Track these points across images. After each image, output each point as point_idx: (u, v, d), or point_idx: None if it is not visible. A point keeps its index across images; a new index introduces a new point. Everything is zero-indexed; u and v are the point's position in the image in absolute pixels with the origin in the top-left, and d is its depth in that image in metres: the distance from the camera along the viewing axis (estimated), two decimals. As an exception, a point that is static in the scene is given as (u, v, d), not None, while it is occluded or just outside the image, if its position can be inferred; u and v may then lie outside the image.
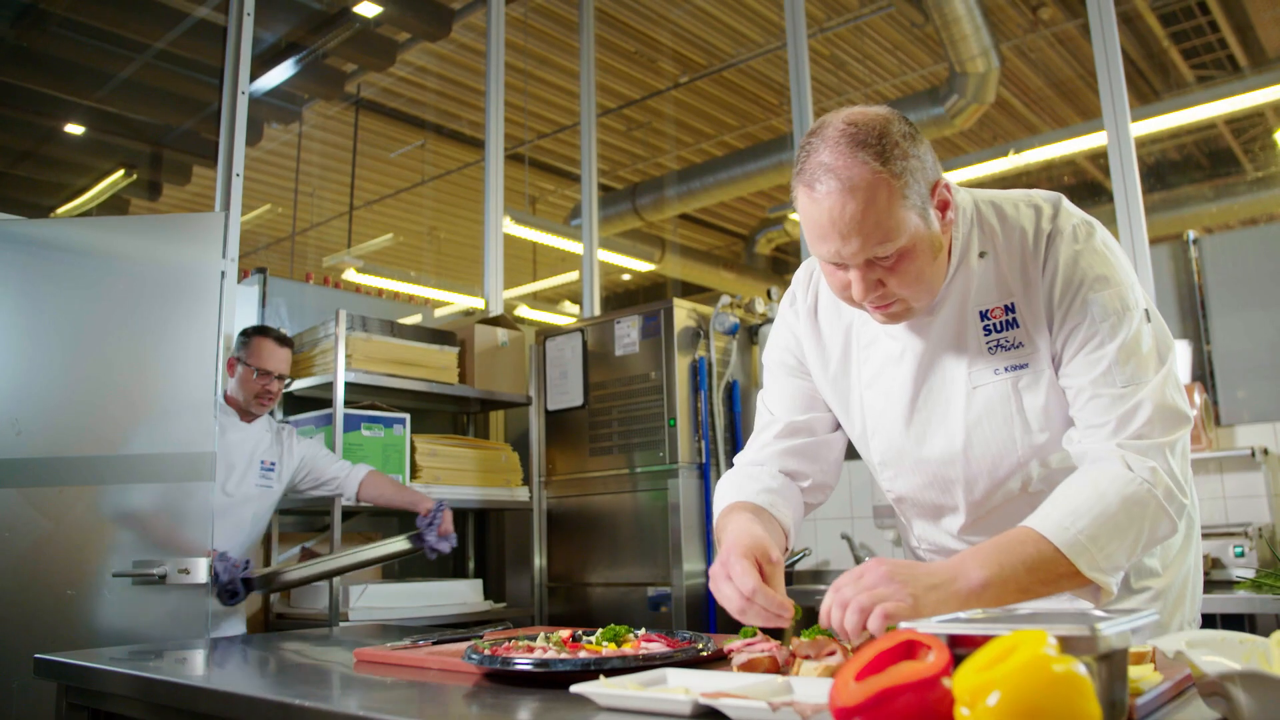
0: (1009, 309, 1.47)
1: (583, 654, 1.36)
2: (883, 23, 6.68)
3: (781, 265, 9.67)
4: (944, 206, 1.43)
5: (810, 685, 1.11)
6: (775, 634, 1.44)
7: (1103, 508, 1.28)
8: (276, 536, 3.85)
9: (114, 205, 7.52)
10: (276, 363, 3.40)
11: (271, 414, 3.61)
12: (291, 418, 3.96)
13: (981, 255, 1.49)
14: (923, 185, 1.38)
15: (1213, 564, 3.25)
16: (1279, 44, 6.84)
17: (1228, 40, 6.75)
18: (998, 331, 1.47)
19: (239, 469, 3.36)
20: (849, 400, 1.67)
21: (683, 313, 4.10)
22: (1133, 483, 1.31)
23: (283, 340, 3.47)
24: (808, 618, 3.74)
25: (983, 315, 1.48)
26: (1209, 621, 2.86)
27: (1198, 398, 3.40)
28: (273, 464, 3.45)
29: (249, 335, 3.44)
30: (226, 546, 3.20)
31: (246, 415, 3.43)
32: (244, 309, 4.02)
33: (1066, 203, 1.50)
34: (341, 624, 3.53)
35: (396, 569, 4.35)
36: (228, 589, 3.04)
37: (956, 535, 1.61)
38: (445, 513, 3.32)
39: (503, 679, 1.38)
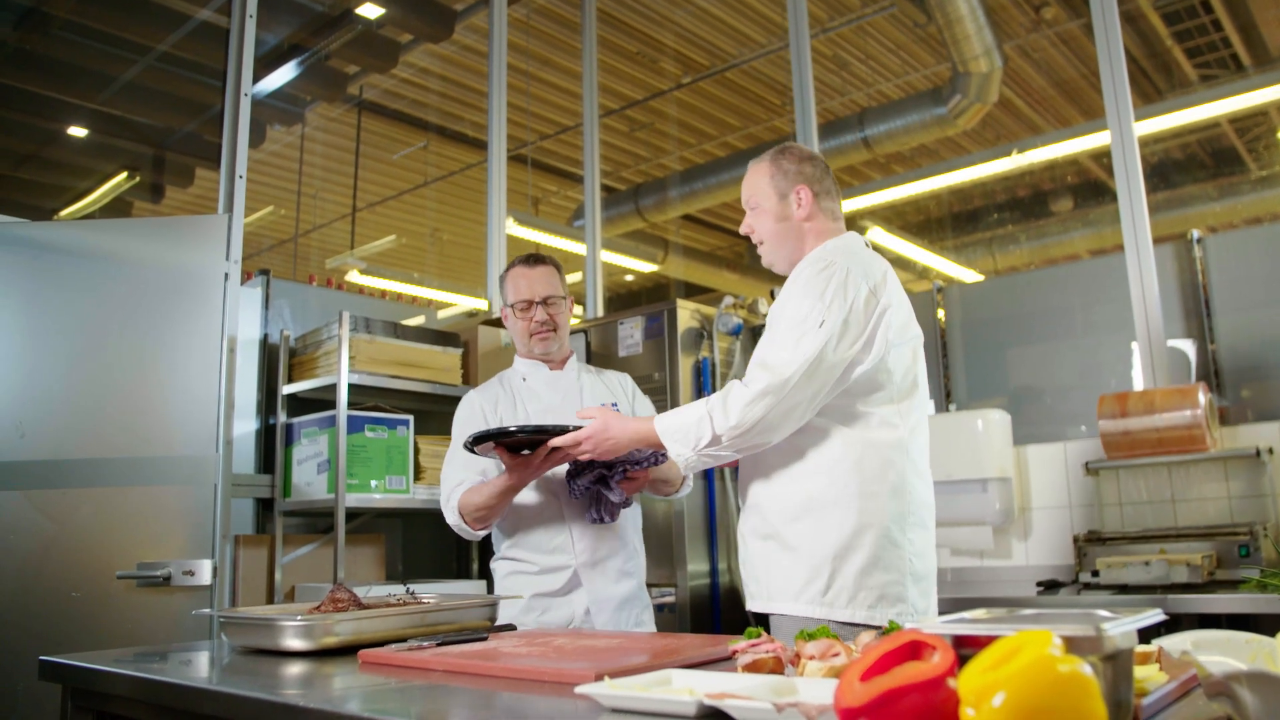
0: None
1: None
2: (885, 23, 6.67)
3: (784, 266, 9.64)
4: (799, 203, 2.23)
5: (815, 686, 1.11)
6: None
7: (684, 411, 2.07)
8: (281, 538, 3.85)
9: (117, 208, 7.53)
10: (531, 287, 2.77)
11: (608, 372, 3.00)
12: (295, 419, 3.96)
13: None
14: (788, 181, 2.24)
15: (1218, 564, 3.24)
16: (1282, 43, 6.83)
17: (1231, 39, 6.74)
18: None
19: (571, 419, 2.65)
20: None
21: (686, 313, 4.10)
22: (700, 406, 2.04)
23: (533, 260, 2.83)
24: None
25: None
26: (1213, 621, 2.85)
27: (1202, 397, 3.39)
28: (615, 406, 2.81)
29: (503, 276, 2.87)
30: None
31: (550, 362, 2.85)
32: (247, 311, 4.02)
33: (840, 259, 2.10)
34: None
35: (400, 570, 4.36)
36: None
37: None
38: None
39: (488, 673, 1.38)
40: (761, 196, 2.27)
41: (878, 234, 7.98)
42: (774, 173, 2.26)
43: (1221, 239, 4.11)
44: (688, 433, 2.01)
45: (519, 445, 2.38)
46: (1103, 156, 6.50)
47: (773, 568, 2.07)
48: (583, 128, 5.65)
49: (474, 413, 2.76)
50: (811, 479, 2.05)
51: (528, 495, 2.66)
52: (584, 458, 2.21)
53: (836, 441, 2.04)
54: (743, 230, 2.35)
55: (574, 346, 4.25)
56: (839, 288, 2.02)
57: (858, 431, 2.04)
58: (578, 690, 1.15)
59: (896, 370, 2.08)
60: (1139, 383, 3.81)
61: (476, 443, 2.35)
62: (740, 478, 2.24)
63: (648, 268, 9.38)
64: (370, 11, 6.26)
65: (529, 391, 2.81)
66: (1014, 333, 4.48)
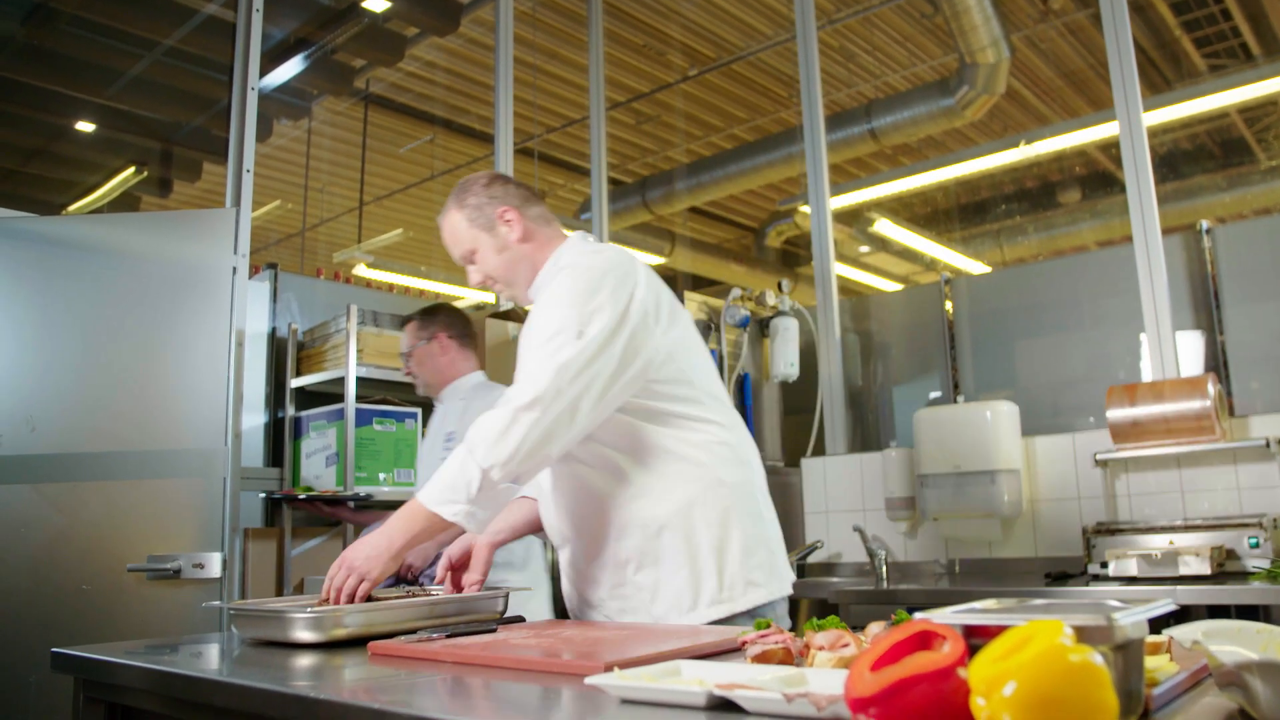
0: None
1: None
2: (892, 14, 6.65)
3: (792, 258, 9.65)
4: (509, 225, 2.11)
5: (825, 676, 1.11)
6: (790, 626, 1.44)
7: (440, 472, 1.86)
8: (290, 531, 3.86)
9: (125, 202, 7.54)
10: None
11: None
12: (304, 413, 3.97)
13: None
14: (485, 214, 2.11)
15: (1227, 555, 3.24)
16: (1292, 32, 6.79)
17: (1240, 28, 6.71)
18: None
19: (429, 450, 3.37)
20: None
21: (693, 306, 4.09)
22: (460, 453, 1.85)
23: (400, 324, 3.65)
24: (821, 609, 3.74)
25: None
26: (1223, 612, 2.85)
27: (1211, 388, 3.38)
28: (452, 433, 3.29)
29: None
30: None
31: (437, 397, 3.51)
32: (255, 305, 4.03)
33: (595, 260, 1.98)
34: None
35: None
36: None
37: None
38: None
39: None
40: (471, 241, 2.13)
41: (885, 226, 7.97)
42: (468, 215, 2.13)
43: (1230, 230, 4.09)
44: (455, 487, 1.81)
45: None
46: (1111, 147, 6.47)
47: (642, 589, 1.94)
48: (589, 121, 5.65)
49: None
50: (654, 491, 1.94)
51: None
52: (366, 587, 1.88)
53: (667, 446, 1.94)
54: (474, 283, 2.20)
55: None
56: (590, 292, 1.90)
57: (683, 432, 1.95)
58: (587, 681, 1.15)
59: (684, 362, 1.99)
60: (1147, 374, 3.80)
61: None
62: (555, 515, 2.10)
63: (655, 260, 9.37)
64: (376, 5, 6.25)
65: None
66: (1022, 324, 4.47)
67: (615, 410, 1.92)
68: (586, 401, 1.83)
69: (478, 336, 3.59)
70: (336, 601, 1.85)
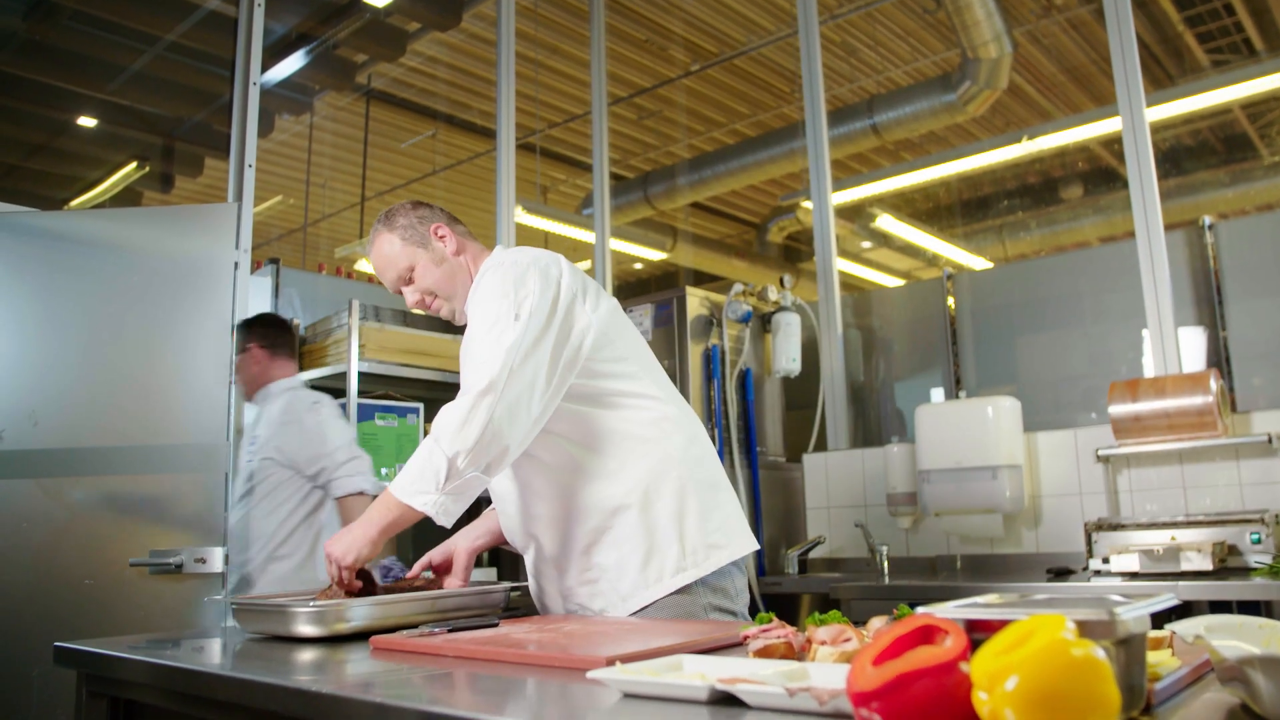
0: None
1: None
2: (894, 9, 6.64)
3: (794, 253, 9.65)
4: (443, 240, 2.18)
5: (827, 670, 1.11)
6: (791, 620, 1.44)
7: (409, 463, 1.88)
8: (291, 526, 3.86)
9: (127, 197, 7.53)
10: None
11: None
12: (305, 408, 3.97)
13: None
14: (419, 232, 2.18)
15: (1229, 551, 3.23)
16: (1295, 27, 6.77)
17: (1244, 23, 6.69)
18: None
19: (241, 452, 3.53)
20: None
21: (695, 301, 4.09)
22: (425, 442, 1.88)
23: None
24: (823, 603, 3.74)
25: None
26: (1225, 608, 2.85)
27: (1214, 383, 3.38)
28: (255, 437, 3.52)
29: None
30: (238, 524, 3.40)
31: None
32: (257, 300, 4.03)
33: (519, 257, 2.06)
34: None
35: (411, 557, 4.37)
36: None
37: None
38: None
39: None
40: (408, 259, 2.18)
41: (887, 221, 7.96)
42: (401, 235, 2.19)
43: (1233, 225, 4.09)
44: (424, 476, 1.83)
45: None
46: (1113, 143, 6.46)
47: (608, 570, 1.98)
48: (591, 116, 5.64)
49: None
50: (607, 472, 1.99)
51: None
52: (347, 574, 1.90)
53: (616, 428, 2.00)
54: (413, 305, 2.22)
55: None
56: (518, 282, 1.96)
57: (629, 412, 2.02)
58: (590, 675, 1.15)
59: (619, 341, 2.05)
60: (1150, 370, 3.80)
61: None
62: (516, 520, 2.12)
63: (657, 256, 9.37)
64: (378, 0, 6.25)
65: None
66: (1024, 320, 4.47)
67: (565, 399, 1.97)
68: (540, 380, 1.89)
69: (295, 345, 3.69)
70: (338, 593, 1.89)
